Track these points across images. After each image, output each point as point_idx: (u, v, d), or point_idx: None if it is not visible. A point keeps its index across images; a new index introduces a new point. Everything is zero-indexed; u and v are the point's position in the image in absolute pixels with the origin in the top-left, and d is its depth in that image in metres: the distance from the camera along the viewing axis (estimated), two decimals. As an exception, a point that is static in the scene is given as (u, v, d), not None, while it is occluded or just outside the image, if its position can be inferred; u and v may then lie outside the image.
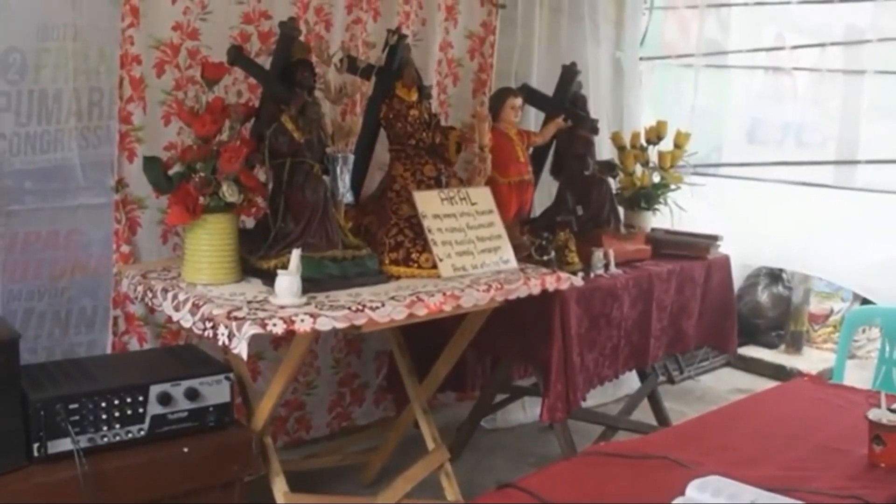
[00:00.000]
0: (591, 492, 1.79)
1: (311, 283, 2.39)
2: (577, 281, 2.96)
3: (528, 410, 4.02)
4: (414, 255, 2.72)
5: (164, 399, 2.21)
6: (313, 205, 2.54)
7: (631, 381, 4.23)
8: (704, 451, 2.02)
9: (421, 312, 2.41)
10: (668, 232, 3.96)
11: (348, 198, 2.77)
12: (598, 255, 3.33)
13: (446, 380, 3.34)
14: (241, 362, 2.51)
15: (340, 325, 2.22)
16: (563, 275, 2.91)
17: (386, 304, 2.34)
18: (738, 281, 5.27)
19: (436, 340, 3.10)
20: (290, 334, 2.15)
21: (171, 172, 2.46)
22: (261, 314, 2.15)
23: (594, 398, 4.27)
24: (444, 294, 2.49)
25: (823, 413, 2.33)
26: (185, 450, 2.19)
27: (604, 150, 3.98)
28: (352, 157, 2.74)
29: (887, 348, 3.37)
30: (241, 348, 2.05)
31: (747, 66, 5.10)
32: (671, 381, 4.77)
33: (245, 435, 2.33)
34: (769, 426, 2.23)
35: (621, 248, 3.51)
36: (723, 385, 4.91)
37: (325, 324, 2.19)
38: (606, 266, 3.36)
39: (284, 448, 3.32)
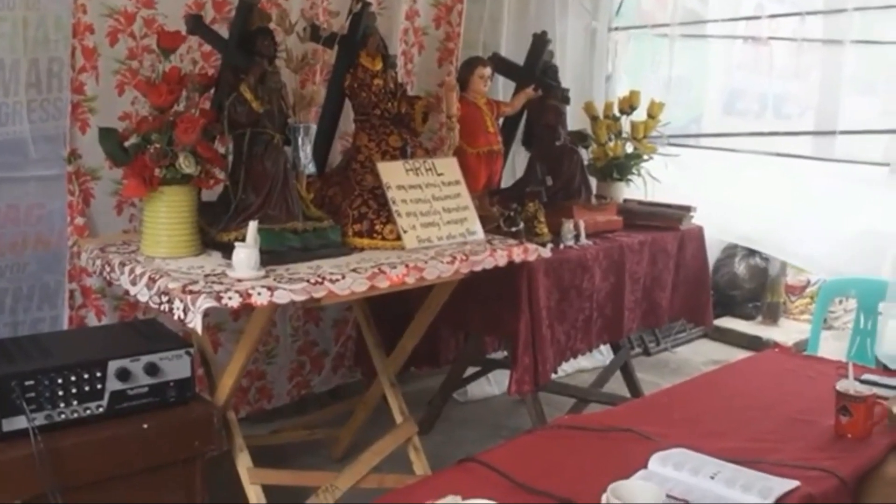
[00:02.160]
0: (552, 465, 1.80)
1: (271, 256, 2.38)
2: (545, 252, 2.96)
3: (500, 383, 4.04)
4: (378, 227, 2.71)
5: (123, 375, 2.19)
6: (273, 176, 2.52)
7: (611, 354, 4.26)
8: (671, 423, 2.03)
9: (383, 285, 2.41)
10: (640, 203, 3.97)
11: (310, 169, 2.75)
12: (568, 226, 3.34)
13: (420, 354, 3.37)
14: (203, 336, 2.49)
15: (299, 297, 2.21)
16: (531, 246, 2.91)
17: (347, 277, 2.33)
18: (714, 252, 5.33)
19: (405, 313, 3.10)
20: (248, 308, 2.14)
21: (127, 144, 2.43)
22: (217, 287, 2.14)
23: (572, 369, 4.32)
24: (407, 266, 2.49)
25: (793, 385, 2.35)
26: (145, 426, 2.18)
27: (576, 120, 3.97)
28: (313, 128, 2.73)
29: (862, 319, 3.40)
30: (195, 322, 2.04)
31: (726, 36, 5.08)
32: (647, 352, 4.82)
33: (207, 410, 2.32)
34: (738, 398, 2.25)
35: (592, 219, 3.52)
36: (699, 357, 4.96)
37: (282, 297, 2.17)
38: (577, 237, 3.36)
39: (247, 419, 3.34)
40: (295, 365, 3.59)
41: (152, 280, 2.23)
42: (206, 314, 2.07)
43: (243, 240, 2.30)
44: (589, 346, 3.46)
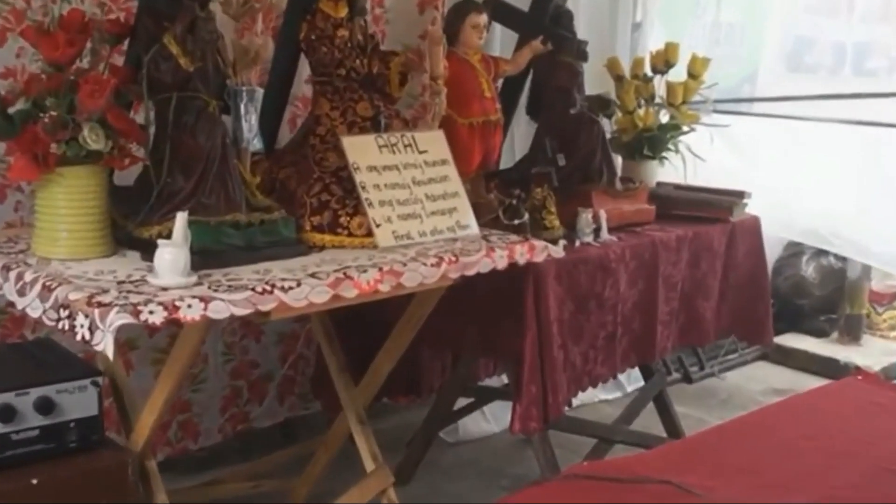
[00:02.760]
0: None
1: (206, 257, 2.37)
2: (557, 251, 2.96)
3: (499, 419, 4.04)
4: (343, 220, 2.71)
5: (7, 414, 2.17)
6: (208, 154, 2.50)
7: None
8: (720, 472, 2.03)
9: (349, 294, 2.40)
10: (678, 188, 3.98)
11: (256, 145, 2.74)
12: (586, 217, 3.34)
13: (398, 381, 3.38)
14: (117, 360, 2.49)
15: (241, 311, 2.20)
16: (539, 243, 2.91)
17: (303, 284, 2.32)
18: (775, 250, 5.35)
19: (378, 329, 3.10)
20: (173, 324, 2.12)
21: (11, 110, 2.39)
22: (134, 298, 2.12)
23: (592, 399, 4.34)
24: (381, 269, 2.48)
25: (882, 423, 2.35)
26: (35, 481, 2.15)
27: (596, 82, 3.97)
28: (260, 92, 2.71)
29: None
30: (105, 344, 2.02)
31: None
32: (688, 379, 4.84)
33: (119, 458, 2.30)
34: (809, 440, 2.24)
35: (616, 209, 3.52)
36: (755, 384, 5.00)
37: (220, 310, 2.16)
38: (596, 232, 3.37)
39: (168, 465, 3.32)
40: (229, 392, 3.60)
41: (48, 289, 2.21)
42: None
43: (169, 236, 2.28)
44: (613, 370, 3.47)
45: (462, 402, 3.91)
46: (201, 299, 2.16)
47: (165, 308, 2.10)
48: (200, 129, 2.52)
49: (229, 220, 2.49)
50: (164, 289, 2.20)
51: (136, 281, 2.26)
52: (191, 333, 2.44)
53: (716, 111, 4.22)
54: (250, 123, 2.68)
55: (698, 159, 3.96)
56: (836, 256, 5.42)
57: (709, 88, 4.07)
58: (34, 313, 2.23)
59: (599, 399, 4.47)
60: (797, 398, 2.64)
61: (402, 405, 3.93)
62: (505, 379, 3.80)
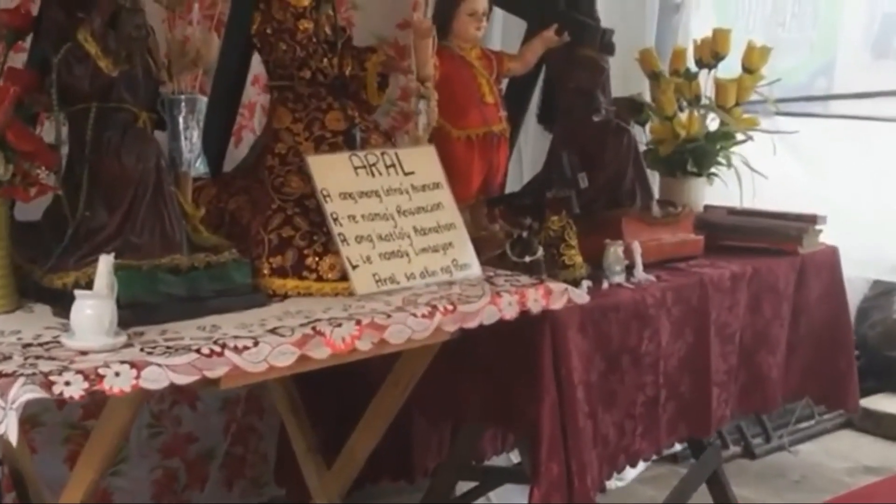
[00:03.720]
0: None
1: (137, 311, 2.38)
2: (580, 295, 2.98)
3: (510, 508, 4.03)
4: (310, 261, 2.73)
5: None
6: (138, 180, 2.50)
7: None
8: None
9: (320, 354, 2.41)
10: (732, 212, 3.98)
11: (199, 167, 2.76)
12: (615, 251, 3.36)
13: (381, 462, 3.38)
14: (20, 444, 2.48)
15: (184, 378, 2.20)
16: (557, 286, 2.92)
17: (262, 343, 2.33)
18: (858, 288, 5.30)
19: (355, 397, 3.11)
20: (96, 397, 2.14)
21: None
22: (45, 366, 2.10)
23: (628, 478, 4.33)
24: (359, 323, 2.49)
25: None
26: None
27: (625, 80, 4.00)
28: (203, 101, 2.73)
29: None
30: (6, 425, 1.99)
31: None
32: (750, 453, 4.82)
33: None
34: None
35: (654, 240, 3.55)
36: (838, 460, 4.98)
37: (156, 378, 2.15)
38: (629, 270, 3.39)
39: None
40: (160, 475, 3.60)
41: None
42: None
43: (89, 286, 2.29)
44: (656, 445, 3.48)
45: (464, 486, 3.91)
46: (132, 365, 2.15)
47: (86, 377, 2.09)
48: (127, 148, 2.53)
49: (166, 264, 2.49)
50: (84, 353, 2.19)
51: (48, 343, 2.26)
52: (118, 408, 2.44)
53: (779, 114, 4.24)
54: (191, 141, 2.70)
55: (758, 176, 3.97)
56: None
57: (770, 85, 4.09)
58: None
59: (636, 477, 4.46)
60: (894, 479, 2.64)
61: (388, 491, 3.92)
62: (517, 457, 3.80)
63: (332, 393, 3.18)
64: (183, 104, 2.68)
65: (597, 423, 3.21)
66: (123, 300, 2.31)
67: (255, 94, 3.66)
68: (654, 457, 3.65)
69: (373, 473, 3.46)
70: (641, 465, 4.00)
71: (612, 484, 4.34)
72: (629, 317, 3.29)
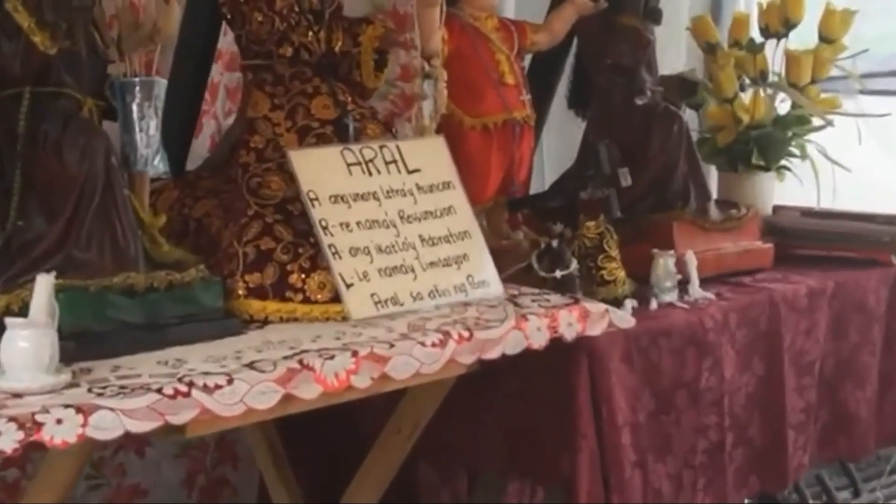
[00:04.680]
0: None
1: (84, 343, 2.37)
2: (624, 318, 2.98)
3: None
4: (295, 278, 2.72)
5: None
6: (83, 182, 2.49)
7: None
8: None
9: (309, 393, 2.40)
10: (808, 214, 3.97)
11: (158, 166, 2.76)
12: (665, 264, 3.36)
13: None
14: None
15: (143, 425, 2.18)
16: (595, 306, 2.92)
17: (237, 380, 2.30)
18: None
19: (350, 443, 3.11)
20: (33, 449, 2.12)
21: None
22: (-29, 411, 2.11)
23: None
24: (356, 354, 2.47)
25: None
26: None
27: (674, 55, 3.98)
28: (161, 85, 2.73)
29: None
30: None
31: None
32: (836, 511, 4.81)
33: None
34: None
35: (712, 250, 3.57)
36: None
37: (107, 425, 2.13)
38: (683, 286, 3.39)
39: None
40: None
41: None
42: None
43: (23, 311, 2.28)
44: (721, 501, 3.44)
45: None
46: (78, 410, 2.13)
47: (20, 426, 2.06)
48: (70, 143, 2.51)
49: (119, 284, 2.48)
50: (18, 395, 2.18)
51: (-25, 383, 2.25)
52: (60, 464, 2.43)
53: (865, 92, 4.22)
54: (147, 133, 2.71)
55: (839, 170, 3.95)
56: None
57: (854, 58, 4.08)
58: None
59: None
60: None
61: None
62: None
63: (323, 440, 3.16)
64: (137, 88, 2.69)
65: (647, 474, 3.19)
66: (67, 329, 2.30)
67: (217, 73, 3.65)
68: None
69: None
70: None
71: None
72: (684, 344, 3.28)
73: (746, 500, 3.71)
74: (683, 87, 3.83)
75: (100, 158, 2.52)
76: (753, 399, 3.47)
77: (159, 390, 2.22)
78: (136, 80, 2.68)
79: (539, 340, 2.78)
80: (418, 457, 3.07)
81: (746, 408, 3.44)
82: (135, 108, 2.68)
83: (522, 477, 3.55)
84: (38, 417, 2.08)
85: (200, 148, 3.52)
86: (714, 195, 3.83)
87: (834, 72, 4.03)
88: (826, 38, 4.02)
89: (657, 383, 3.22)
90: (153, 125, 2.71)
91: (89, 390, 2.21)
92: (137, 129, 2.69)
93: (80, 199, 2.50)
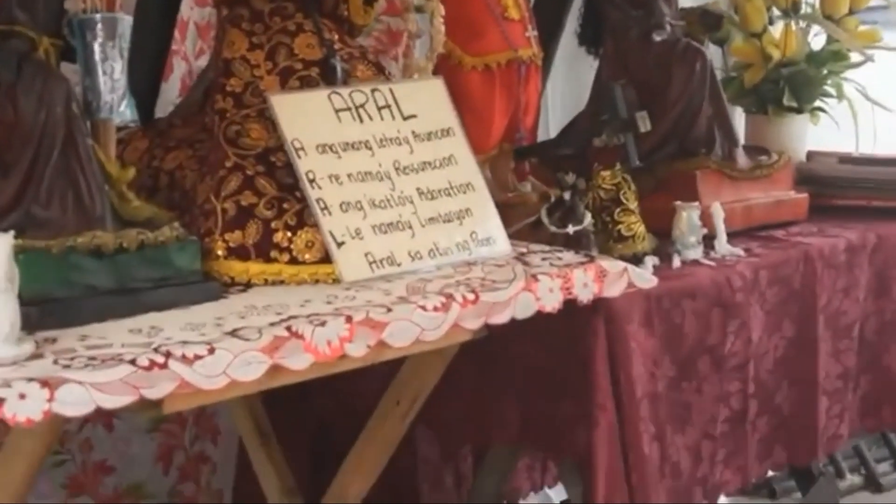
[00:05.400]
0: None
1: (48, 309, 2.37)
2: (644, 278, 2.97)
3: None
4: (280, 237, 2.72)
5: None
6: (42, 131, 2.49)
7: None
8: None
9: (298, 363, 2.39)
10: (846, 160, 3.97)
11: (125, 113, 2.75)
12: (689, 217, 3.36)
13: (383, 501, 3.36)
14: None
15: (115, 400, 2.17)
16: (613, 265, 2.91)
17: (219, 349, 2.29)
18: None
19: (343, 417, 3.14)
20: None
21: None
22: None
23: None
24: (350, 320, 2.47)
25: None
26: None
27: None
28: (126, 22, 2.72)
29: None
30: None
31: None
32: (875, 484, 4.82)
33: None
34: None
35: (741, 201, 3.57)
36: None
37: (76, 400, 2.12)
38: (708, 241, 3.40)
39: None
40: None
41: None
42: None
43: (-20, 276, 2.29)
44: (744, 475, 3.47)
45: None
46: (43, 383, 2.12)
47: (-23, 402, 2.10)
48: (25, 88, 2.51)
49: (85, 244, 2.47)
50: (-24, 366, 2.20)
51: (-71, 353, 2.25)
52: (24, 443, 2.43)
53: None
54: (111, 76, 2.69)
55: (880, 111, 3.95)
56: None
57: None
58: None
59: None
60: None
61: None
62: (559, 494, 3.80)
63: (312, 413, 3.16)
64: (98, 26, 2.66)
65: (665, 447, 3.21)
66: (28, 294, 2.30)
67: (186, 8, 3.64)
68: (745, 487, 3.63)
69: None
70: (723, 501, 4.03)
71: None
72: (709, 305, 3.29)
73: (771, 473, 3.73)
74: (706, 21, 3.81)
75: (59, 105, 2.51)
76: (781, 364, 3.49)
77: (133, 361, 2.21)
78: (98, 16, 2.66)
79: (551, 303, 2.77)
80: (417, 430, 3.07)
81: (774, 374, 3.47)
82: (97, 47, 2.66)
83: (536, 450, 3.57)
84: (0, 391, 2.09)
85: (169, 92, 3.53)
86: (742, 140, 3.82)
87: (874, 1, 4.02)
88: (863, -34, 4.02)
89: (678, 349, 3.24)
90: (118, 67, 2.69)
91: (55, 362, 2.20)
92: (100, 72, 2.67)
93: (38, 151, 2.49)
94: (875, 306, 3.69)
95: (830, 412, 3.60)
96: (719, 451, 3.36)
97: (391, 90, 2.90)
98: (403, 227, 2.78)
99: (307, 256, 2.70)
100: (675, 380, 3.23)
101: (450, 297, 2.62)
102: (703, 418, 3.31)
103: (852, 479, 4.67)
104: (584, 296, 2.84)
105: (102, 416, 3.61)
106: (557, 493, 4.04)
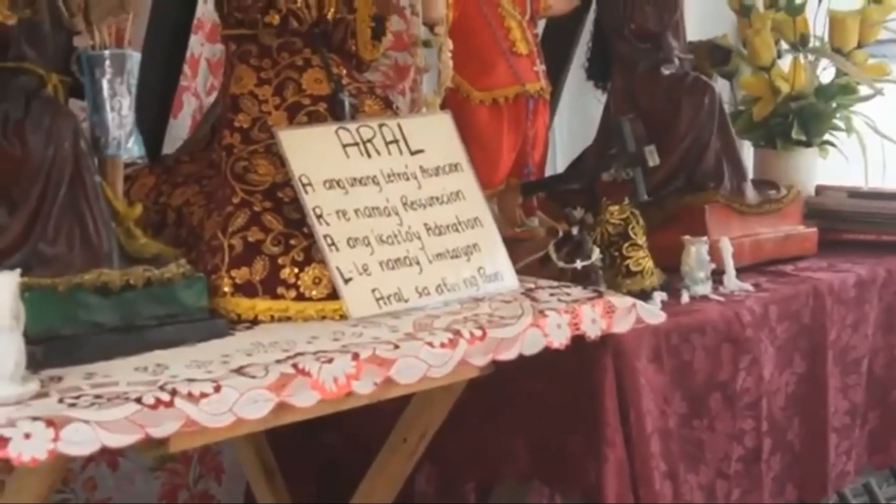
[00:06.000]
0: None
1: (54, 347, 2.36)
2: (653, 313, 2.96)
3: None
4: (287, 273, 2.71)
5: None
6: (49, 169, 2.49)
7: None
8: None
9: (305, 401, 2.38)
10: (855, 195, 3.96)
11: (132, 150, 2.74)
12: (698, 252, 3.35)
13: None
14: None
15: (121, 439, 2.16)
16: (621, 300, 2.90)
17: (225, 387, 2.28)
18: None
19: (349, 455, 3.13)
20: None
21: None
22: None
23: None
24: (357, 357, 2.46)
25: None
26: None
27: (703, 18, 3.98)
28: (135, 58, 2.71)
29: None
30: None
31: None
32: (884, 519, 4.81)
33: None
34: None
35: (750, 236, 3.57)
36: None
37: (82, 439, 2.11)
38: (717, 277, 3.39)
39: None
40: None
41: None
42: None
43: (-14, 313, 2.27)
44: (756, 510, 3.46)
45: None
46: (48, 423, 2.12)
47: (-18, 441, 2.08)
48: (33, 124, 2.50)
49: (91, 282, 2.47)
50: (-19, 405, 2.19)
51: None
52: (29, 481, 2.41)
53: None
54: (119, 113, 2.68)
55: (890, 145, 3.94)
56: None
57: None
58: None
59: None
60: None
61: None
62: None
63: (318, 451, 3.15)
64: (107, 63, 2.66)
65: (678, 485, 3.19)
66: (33, 332, 2.29)
67: (197, 45, 3.66)
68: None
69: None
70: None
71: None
72: (719, 341, 3.28)
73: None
74: (715, 55, 3.82)
75: (67, 142, 2.50)
76: (793, 400, 3.47)
77: (139, 400, 2.19)
78: (106, 52, 2.66)
79: (559, 339, 2.76)
80: (421, 464, 3.06)
81: (786, 410, 3.45)
82: (105, 84, 2.66)
83: (546, 484, 3.53)
84: (4, 432, 2.06)
85: (180, 129, 3.53)
86: (750, 174, 3.82)
87: (883, 34, 4.02)
88: (875, -4, 4.02)
89: (689, 385, 3.22)
90: (126, 104, 2.69)
91: (60, 401, 2.19)
92: (108, 109, 2.67)
93: (45, 188, 2.48)
94: (884, 342, 3.68)
95: (839, 449, 3.59)
96: (734, 490, 3.35)
97: (399, 125, 2.90)
98: (411, 262, 2.77)
99: (314, 293, 2.69)
100: (686, 417, 3.22)
101: (457, 333, 2.61)
102: (717, 457, 3.30)
103: (862, 513, 4.65)
104: (593, 332, 2.83)
105: (107, 455, 3.61)
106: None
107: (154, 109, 3.10)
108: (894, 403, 3.73)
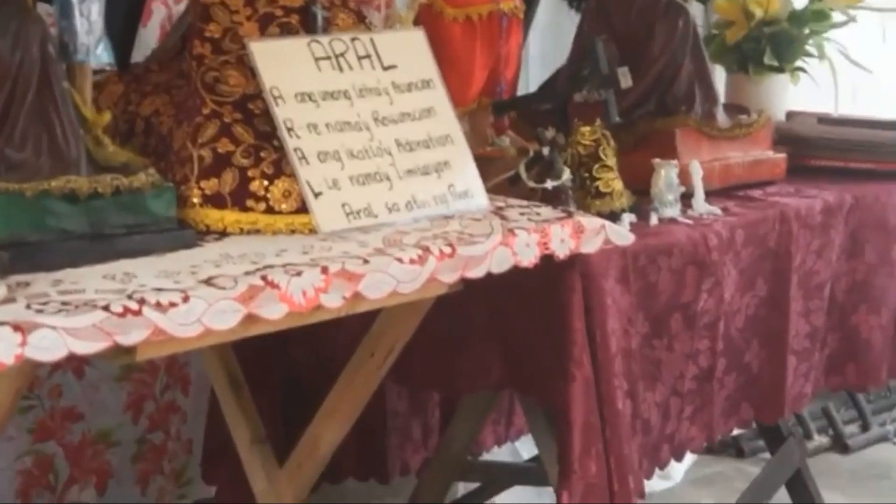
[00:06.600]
0: None
1: (21, 253, 2.35)
2: (621, 234, 2.96)
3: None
4: (257, 185, 2.70)
5: None
6: (16, 74, 2.47)
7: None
8: None
9: (273, 313, 2.38)
10: (825, 120, 3.96)
11: (101, 57, 2.72)
12: (667, 175, 3.35)
13: (343, 452, 3.36)
14: None
15: (87, 346, 2.15)
16: (590, 221, 2.90)
17: (193, 297, 2.28)
18: None
19: (316, 368, 3.13)
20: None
21: None
22: None
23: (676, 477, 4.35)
24: (326, 271, 2.46)
25: None
26: None
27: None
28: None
29: None
30: None
31: None
32: (842, 445, 4.84)
33: None
34: None
35: (720, 160, 3.56)
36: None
37: (49, 345, 2.10)
38: (686, 199, 3.39)
39: None
40: (31, 463, 3.61)
41: None
42: None
43: (-50, 220, 2.27)
44: (709, 432, 3.49)
45: (463, 487, 3.93)
46: (15, 327, 2.11)
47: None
48: (0, 29, 2.47)
49: (59, 189, 2.45)
50: (-52, 309, 2.17)
51: None
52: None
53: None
54: (88, 18, 2.66)
55: (860, 72, 3.93)
56: None
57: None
58: None
59: (688, 476, 4.48)
60: None
61: (354, 493, 3.93)
62: (525, 448, 3.81)
63: (285, 364, 3.15)
64: (74, -32, 2.64)
65: (637, 404, 3.22)
66: (1, 238, 2.30)
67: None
68: (709, 444, 3.63)
69: (332, 471, 3.43)
70: (689, 459, 4.03)
71: (657, 484, 4.37)
72: (685, 263, 3.28)
73: (738, 431, 3.74)
74: (689, -22, 3.81)
75: (34, 47, 2.49)
76: (752, 322, 3.49)
77: (106, 307, 2.19)
78: (74, -43, 2.65)
79: (528, 258, 2.76)
80: (386, 385, 3.07)
81: (743, 332, 3.47)
82: (72, -10, 2.65)
83: (521, 392, 3.54)
84: (-29, 336, 2.07)
85: (149, 38, 3.50)
86: (722, 99, 3.82)
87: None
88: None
89: (652, 306, 3.24)
90: (95, 9, 2.66)
91: (28, 306, 2.18)
92: (77, 14, 2.64)
93: (12, 93, 2.47)
94: (847, 267, 3.70)
95: (798, 371, 3.62)
96: (686, 407, 3.38)
97: (372, 40, 2.88)
98: (381, 178, 2.77)
99: (284, 206, 2.68)
100: (647, 336, 3.24)
101: (426, 250, 2.61)
102: (673, 375, 3.32)
103: (820, 439, 4.69)
104: (562, 251, 2.84)
105: (73, 363, 3.61)
106: (523, 445, 4.03)
107: (124, 16, 3.07)
108: (853, 327, 3.75)
